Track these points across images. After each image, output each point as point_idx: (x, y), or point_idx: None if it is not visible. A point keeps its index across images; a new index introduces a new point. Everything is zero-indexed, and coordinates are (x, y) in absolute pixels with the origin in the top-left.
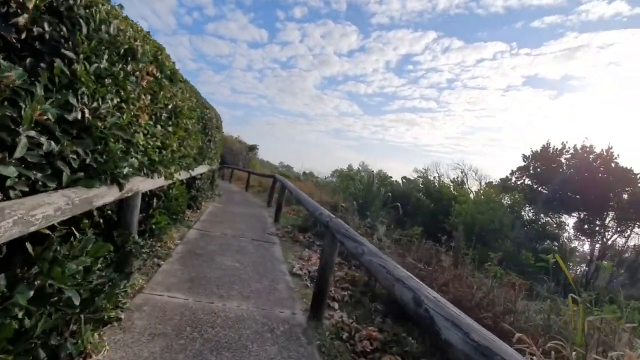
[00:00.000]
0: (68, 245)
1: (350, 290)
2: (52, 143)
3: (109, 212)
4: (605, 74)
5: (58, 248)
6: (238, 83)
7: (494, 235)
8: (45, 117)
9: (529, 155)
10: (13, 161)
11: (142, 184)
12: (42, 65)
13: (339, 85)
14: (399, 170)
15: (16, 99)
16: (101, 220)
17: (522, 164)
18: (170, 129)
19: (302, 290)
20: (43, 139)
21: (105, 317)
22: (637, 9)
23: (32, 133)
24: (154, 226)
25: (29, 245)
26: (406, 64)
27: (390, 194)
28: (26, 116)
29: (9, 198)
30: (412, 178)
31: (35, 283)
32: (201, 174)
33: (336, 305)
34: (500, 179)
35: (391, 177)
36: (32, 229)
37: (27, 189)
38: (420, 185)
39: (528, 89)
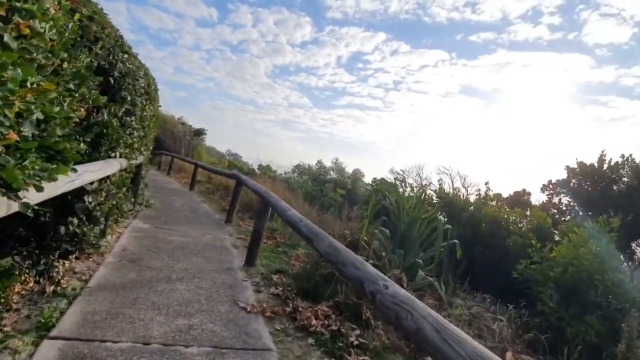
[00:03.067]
0: None
1: None
2: None
3: None
4: (527, 89)
5: None
6: (183, 62)
7: (588, 294)
8: None
9: (573, 168)
10: None
11: None
12: None
13: (290, 75)
14: (350, 167)
15: None
16: None
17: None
18: None
19: None
20: None
21: None
22: (555, 35)
23: None
24: None
25: None
26: (356, 62)
27: (449, 227)
28: None
29: None
30: (389, 181)
31: None
32: (102, 181)
33: None
34: (515, 192)
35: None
36: None
37: None
38: (433, 199)
39: (462, 97)
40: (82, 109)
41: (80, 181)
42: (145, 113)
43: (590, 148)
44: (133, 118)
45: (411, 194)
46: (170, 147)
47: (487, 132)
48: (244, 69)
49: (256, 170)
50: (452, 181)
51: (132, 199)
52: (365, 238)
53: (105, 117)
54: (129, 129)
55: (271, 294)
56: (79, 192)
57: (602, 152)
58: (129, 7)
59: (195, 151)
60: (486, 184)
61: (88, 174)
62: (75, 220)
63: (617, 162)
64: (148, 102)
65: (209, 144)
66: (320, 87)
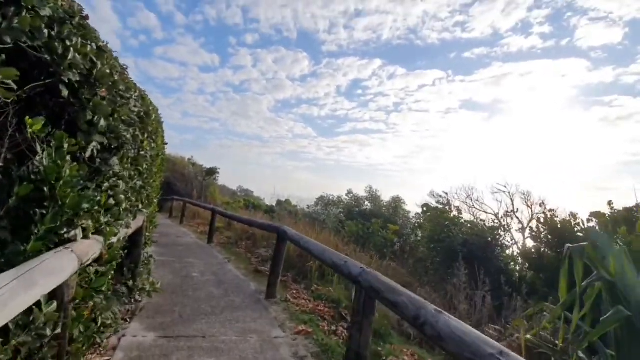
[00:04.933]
0: None
1: None
2: None
3: None
4: (527, 97)
5: None
6: (189, 106)
7: None
8: None
9: None
10: None
11: None
12: None
13: (292, 108)
14: (361, 192)
15: None
16: None
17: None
18: None
19: None
20: None
21: None
22: (548, 43)
23: None
24: None
25: None
26: (356, 89)
27: None
28: None
29: None
30: (432, 205)
31: None
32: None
33: None
34: (625, 208)
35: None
36: None
37: None
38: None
39: (464, 112)
40: None
41: None
42: (142, 152)
43: (603, 148)
44: (116, 160)
45: (468, 221)
46: (182, 191)
47: (494, 143)
48: (248, 107)
49: (274, 206)
50: (512, 200)
51: (130, 282)
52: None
53: (45, 162)
54: (111, 180)
55: None
56: None
57: None
58: (136, 60)
59: (209, 192)
60: (609, 203)
61: None
62: None
63: None
64: (146, 136)
65: (220, 183)
66: (323, 117)
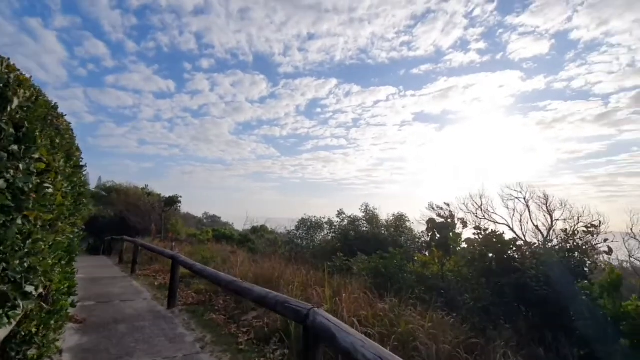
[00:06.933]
0: None
1: None
2: None
3: None
4: (472, 107)
5: None
6: (146, 134)
7: None
8: None
9: None
10: None
11: None
12: None
13: (254, 130)
14: (330, 208)
15: None
16: None
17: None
18: None
19: None
20: None
21: None
22: (484, 57)
23: None
24: None
25: None
26: (314, 107)
27: None
28: None
29: None
30: (438, 220)
31: None
32: None
33: None
34: None
35: (407, 220)
36: None
37: None
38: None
39: (418, 124)
40: None
41: None
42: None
43: (542, 149)
44: None
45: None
46: (138, 226)
47: (447, 152)
48: (208, 131)
49: (249, 234)
50: (527, 207)
51: None
52: None
53: None
54: None
55: None
56: None
57: None
58: (85, 90)
59: (170, 224)
60: (531, 200)
61: None
62: None
63: None
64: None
65: (184, 211)
66: (285, 136)
